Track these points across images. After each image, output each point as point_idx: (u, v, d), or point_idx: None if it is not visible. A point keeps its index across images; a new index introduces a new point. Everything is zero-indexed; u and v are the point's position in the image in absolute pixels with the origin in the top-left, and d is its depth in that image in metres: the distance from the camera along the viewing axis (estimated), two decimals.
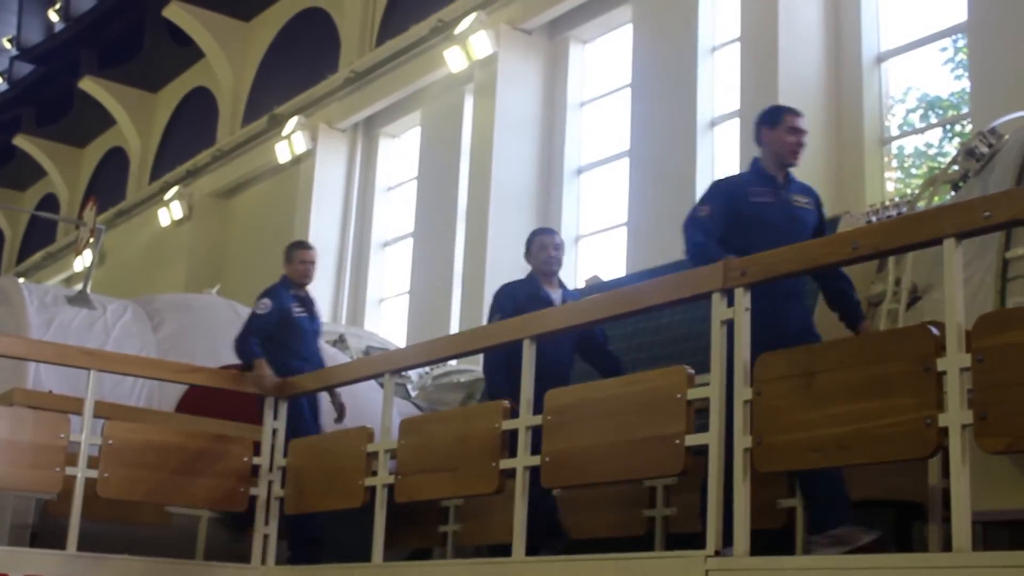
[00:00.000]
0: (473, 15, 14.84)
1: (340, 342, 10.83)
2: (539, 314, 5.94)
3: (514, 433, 5.29)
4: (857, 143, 11.21)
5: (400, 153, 17.75)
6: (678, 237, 12.03)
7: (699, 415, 4.61)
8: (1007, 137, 6.45)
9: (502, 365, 6.44)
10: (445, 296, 14.97)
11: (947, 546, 4.09)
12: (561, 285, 7.09)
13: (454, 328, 14.29)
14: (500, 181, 14.32)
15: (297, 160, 18.17)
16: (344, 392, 8.32)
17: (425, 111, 16.57)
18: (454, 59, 15.01)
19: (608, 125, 14.30)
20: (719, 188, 5.84)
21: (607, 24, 14.41)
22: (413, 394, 10.27)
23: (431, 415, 7.86)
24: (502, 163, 14.37)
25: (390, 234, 17.42)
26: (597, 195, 14.33)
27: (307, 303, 8.10)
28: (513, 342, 5.62)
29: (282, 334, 7.77)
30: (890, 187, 11.16)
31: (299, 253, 8.10)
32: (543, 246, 7.05)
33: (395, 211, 17.48)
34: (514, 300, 6.80)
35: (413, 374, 10.46)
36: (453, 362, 9.72)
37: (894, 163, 11.49)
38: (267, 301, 7.85)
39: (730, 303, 4.43)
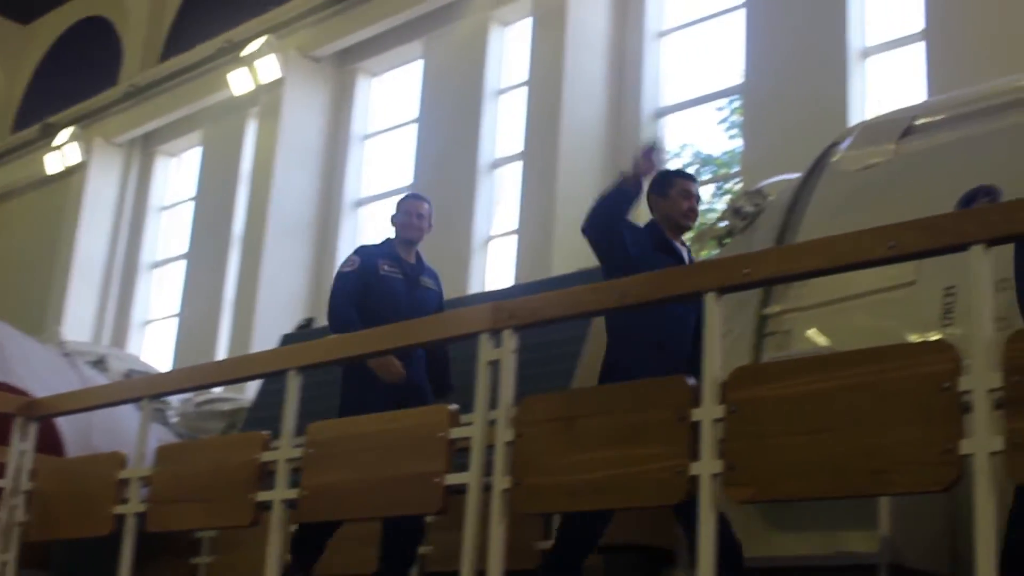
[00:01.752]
0: (262, 39, 14.66)
1: (100, 363, 10.46)
2: (304, 346, 5.85)
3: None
4: None
5: (177, 173, 17.34)
6: (454, 274, 12.04)
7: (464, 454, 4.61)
8: (772, 198, 6.71)
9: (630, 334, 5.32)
10: (214, 322, 14.66)
11: None
12: (685, 244, 5.84)
13: (221, 355, 14.01)
14: (278, 208, 14.14)
15: (68, 172, 17.54)
16: (100, 416, 8.02)
17: (206, 132, 16.26)
18: (239, 81, 14.78)
19: (391, 159, 14.29)
20: None
21: (397, 59, 14.44)
22: (173, 420, 9.98)
23: (189, 443, 7.65)
24: (282, 190, 14.20)
25: (161, 255, 16.97)
26: (376, 228, 14.29)
27: (409, 266, 6.60)
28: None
29: (367, 299, 6.35)
30: None
31: (406, 203, 6.70)
32: (686, 193, 5.67)
33: (168, 232, 17.05)
34: (643, 242, 5.56)
35: (175, 400, 10.17)
36: (218, 389, 9.49)
37: None
38: (355, 257, 6.52)
39: (497, 344, 4.45)
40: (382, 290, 6.37)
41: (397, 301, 6.31)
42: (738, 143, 11.38)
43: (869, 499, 4.87)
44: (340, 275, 6.47)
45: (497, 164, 12.70)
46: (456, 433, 4.49)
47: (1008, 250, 4.67)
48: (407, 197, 6.81)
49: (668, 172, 5.78)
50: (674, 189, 5.65)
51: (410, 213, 6.62)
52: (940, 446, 3.19)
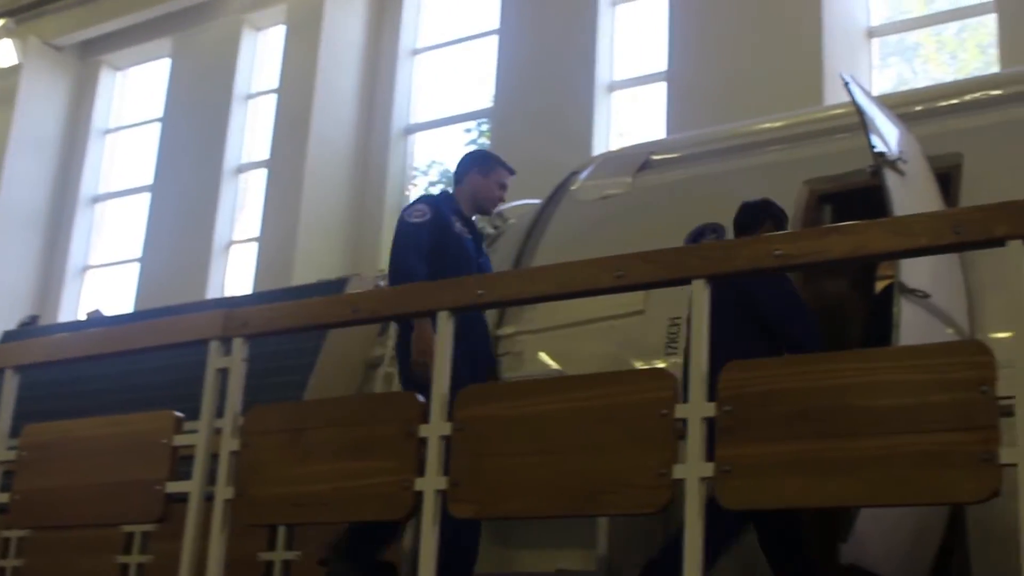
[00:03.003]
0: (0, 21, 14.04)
1: None
2: (24, 344, 5.62)
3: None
4: (378, 208, 11.53)
5: None
6: (193, 278, 11.78)
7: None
8: (512, 221, 6.85)
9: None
10: None
11: None
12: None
13: None
14: (8, 199, 13.55)
15: None
16: None
17: None
18: None
19: (133, 156, 13.91)
20: None
21: (144, 54, 14.07)
22: None
23: None
24: (12, 180, 13.62)
25: None
26: (112, 226, 13.87)
27: (474, 229, 5.71)
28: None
29: (440, 259, 5.32)
30: None
31: (498, 172, 5.67)
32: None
33: None
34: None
35: None
36: None
37: None
38: (424, 207, 5.41)
39: (227, 352, 4.38)
40: (456, 251, 5.43)
41: (469, 266, 5.43)
42: None
43: (590, 519, 5.02)
44: (410, 225, 5.37)
45: (242, 169, 12.52)
46: (180, 440, 4.39)
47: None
48: (499, 164, 5.74)
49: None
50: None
51: (503, 186, 5.70)
52: (655, 470, 3.31)
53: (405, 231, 5.35)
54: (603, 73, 10.53)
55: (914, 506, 4.01)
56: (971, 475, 2.89)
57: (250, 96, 12.80)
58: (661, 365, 5.26)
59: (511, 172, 5.73)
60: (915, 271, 4.49)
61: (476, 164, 5.68)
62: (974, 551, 4.57)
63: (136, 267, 12.80)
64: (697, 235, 5.32)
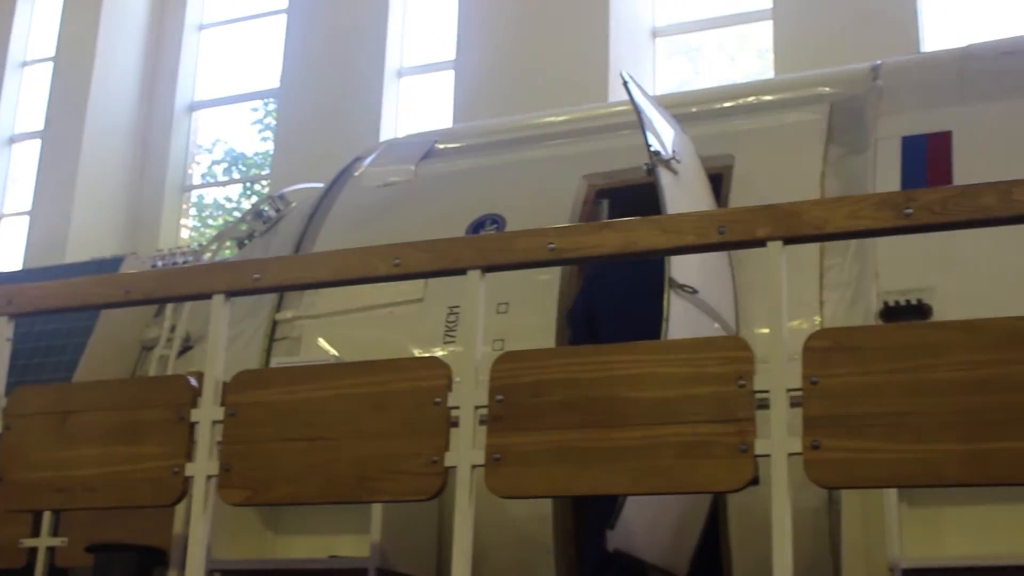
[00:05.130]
0: None
1: None
2: None
3: None
4: (159, 186, 11.26)
5: None
6: None
7: None
8: (294, 205, 6.78)
9: None
10: None
11: None
12: None
13: None
14: None
15: None
16: None
17: None
18: None
19: None
20: None
21: None
22: None
23: None
24: None
25: None
26: None
27: None
28: None
29: None
30: (185, 234, 11.30)
31: None
32: None
33: None
34: None
35: None
36: None
37: (193, 211, 11.66)
38: None
39: None
40: None
41: None
42: (270, 146, 11.41)
43: (364, 506, 5.03)
44: None
45: (15, 139, 12.06)
46: None
47: (508, 276, 4.98)
48: None
49: None
50: None
51: None
52: (427, 457, 3.35)
53: None
54: (393, 59, 10.53)
55: (677, 494, 4.15)
56: (729, 465, 3.01)
57: (25, 63, 12.33)
58: (440, 353, 5.30)
59: None
60: (685, 267, 4.64)
61: None
62: (734, 538, 4.77)
63: None
64: (477, 225, 5.38)
